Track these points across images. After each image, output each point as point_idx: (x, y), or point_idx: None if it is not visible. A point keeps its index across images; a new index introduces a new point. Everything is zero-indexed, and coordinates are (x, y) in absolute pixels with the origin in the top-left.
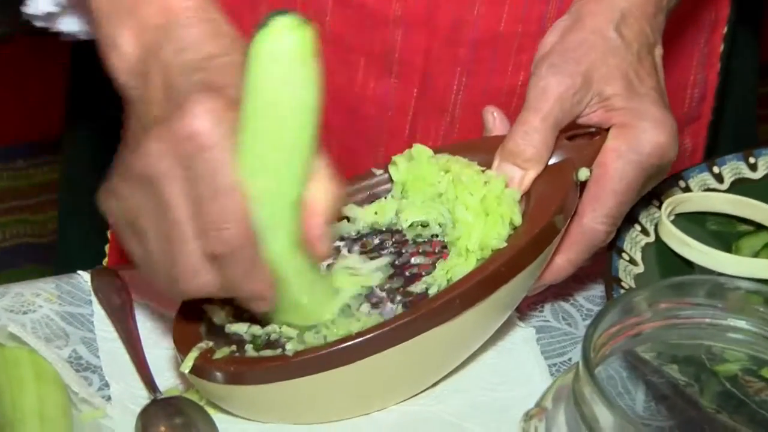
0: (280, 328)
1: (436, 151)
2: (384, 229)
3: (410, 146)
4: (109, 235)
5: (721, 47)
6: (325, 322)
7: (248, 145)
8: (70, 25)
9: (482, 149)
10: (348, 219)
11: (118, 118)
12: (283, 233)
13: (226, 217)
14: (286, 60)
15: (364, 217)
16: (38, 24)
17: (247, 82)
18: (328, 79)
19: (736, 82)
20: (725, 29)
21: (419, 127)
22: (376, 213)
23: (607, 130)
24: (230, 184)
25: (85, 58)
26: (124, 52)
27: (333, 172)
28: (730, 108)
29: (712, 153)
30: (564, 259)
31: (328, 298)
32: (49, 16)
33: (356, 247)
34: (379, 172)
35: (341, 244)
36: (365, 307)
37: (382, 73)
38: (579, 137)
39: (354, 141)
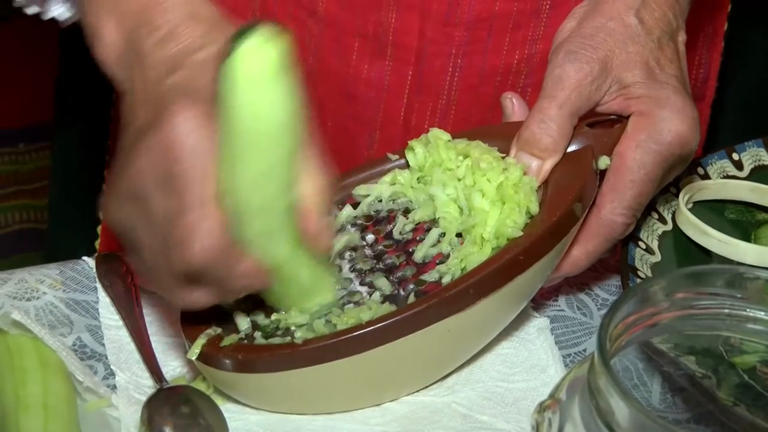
0: (285, 313)
1: (454, 135)
2: (399, 211)
3: (406, 128)
4: (101, 216)
5: (725, 26)
6: (333, 310)
7: (232, 162)
8: (59, 11)
9: (501, 135)
10: (354, 206)
11: (108, 106)
12: (281, 238)
13: (193, 233)
14: (260, 80)
15: (381, 191)
16: (29, 12)
17: (222, 100)
18: (322, 62)
19: (743, 61)
20: (729, 8)
21: (415, 109)
22: (393, 184)
23: (628, 118)
24: (200, 198)
25: (74, 44)
26: (108, 42)
27: (320, 162)
28: (735, 87)
29: (716, 133)
30: (581, 251)
31: (327, 280)
32: (41, 3)
33: (369, 235)
34: (394, 157)
35: (352, 228)
36: (377, 295)
37: (376, 55)
38: (600, 125)
39: (349, 123)
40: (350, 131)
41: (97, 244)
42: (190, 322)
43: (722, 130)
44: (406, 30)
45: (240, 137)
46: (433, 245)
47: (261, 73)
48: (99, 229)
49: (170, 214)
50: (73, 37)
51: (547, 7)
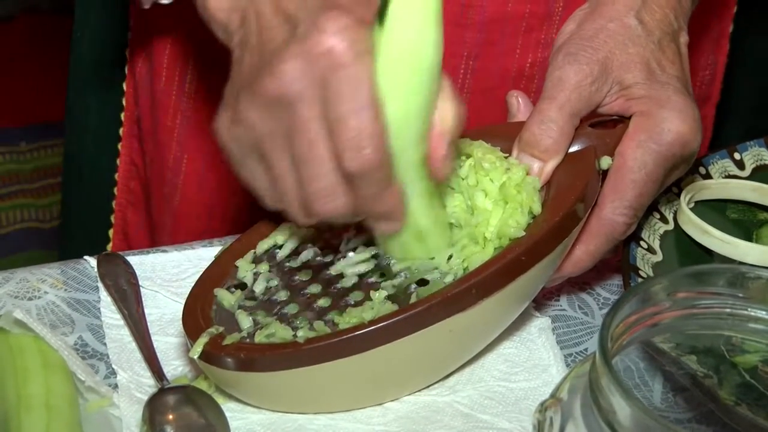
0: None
1: None
2: None
3: None
4: (113, 219)
5: (731, 28)
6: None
7: (381, 75)
8: None
9: (504, 135)
10: None
11: (119, 110)
12: (413, 153)
13: (363, 136)
14: (418, 19)
15: None
16: None
17: (381, 32)
18: None
19: (747, 63)
20: (735, 9)
21: None
22: None
23: (629, 118)
24: (368, 101)
25: (87, 38)
26: None
27: (454, 92)
28: (739, 88)
29: (720, 134)
30: (583, 251)
31: (445, 233)
32: None
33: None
34: None
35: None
36: (379, 294)
37: None
38: (601, 125)
39: None
40: None
41: (109, 247)
42: (191, 321)
43: (728, 131)
44: None
45: (391, 74)
46: None
47: (417, 15)
48: (111, 232)
49: (332, 118)
50: (84, 29)
51: (560, 9)
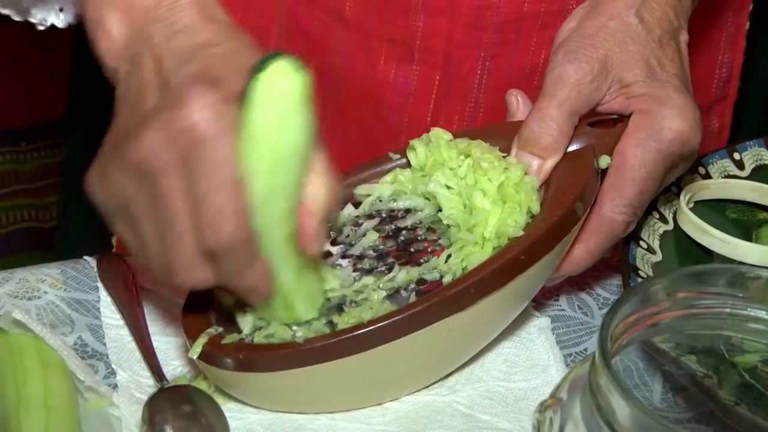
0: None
1: (456, 135)
2: (399, 216)
3: None
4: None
5: (747, 25)
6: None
7: (246, 152)
8: (44, 13)
9: (503, 135)
10: (355, 205)
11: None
12: (280, 230)
13: (224, 214)
14: (281, 105)
15: (382, 190)
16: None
17: (244, 116)
18: (349, 66)
19: (761, 60)
20: (751, 7)
21: (442, 114)
22: (394, 183)
23: (629, 117)
24: (229, 179)
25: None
26: (112, 35)
27: (327, 166)
28: (755, 86)
29: (738, 133)
30: (582, 250)
31: (314, 298)
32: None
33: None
34: (395, 156)
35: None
36: (378, 294)
37: (403, 60)
38: (601, 124)
39: (376, 128)
40: (376, 136)
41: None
42: (191, 321)
43: (746, 130)
44: (434, 34)
45: (256, 152)
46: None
47: (282, 99)
48: (114, 239)
49: (193, 194)
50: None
51: (573, 5)
